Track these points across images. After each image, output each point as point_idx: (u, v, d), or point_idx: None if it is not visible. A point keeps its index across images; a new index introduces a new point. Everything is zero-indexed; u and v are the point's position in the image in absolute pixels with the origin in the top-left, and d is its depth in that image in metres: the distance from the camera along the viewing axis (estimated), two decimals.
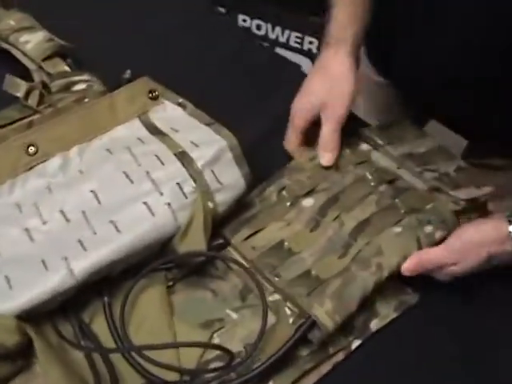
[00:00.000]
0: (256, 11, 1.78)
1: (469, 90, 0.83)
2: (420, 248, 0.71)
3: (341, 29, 0.82)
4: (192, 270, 0.71)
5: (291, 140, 0.83)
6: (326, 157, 0.79)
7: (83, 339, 0.66)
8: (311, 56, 1.79)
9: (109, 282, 0.69)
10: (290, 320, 0.67)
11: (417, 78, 0.90)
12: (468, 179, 0.79)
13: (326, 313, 0.65)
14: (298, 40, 1.78)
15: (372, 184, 0.78)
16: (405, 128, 0.88)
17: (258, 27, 1.80)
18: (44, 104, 0.82)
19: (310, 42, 1.76)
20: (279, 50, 1.82)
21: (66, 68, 0.90)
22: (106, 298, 0.68)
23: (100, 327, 0.67)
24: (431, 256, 0.70)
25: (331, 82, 0.79)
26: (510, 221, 0.68)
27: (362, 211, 0.75)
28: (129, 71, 0.84)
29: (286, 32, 1.78)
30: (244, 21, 1.80)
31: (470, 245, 0.69)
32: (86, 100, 0.82)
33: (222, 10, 1.82)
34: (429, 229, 0.72)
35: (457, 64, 0.82)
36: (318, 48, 1.75)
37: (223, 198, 0.72)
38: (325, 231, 0.73)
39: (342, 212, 0.75)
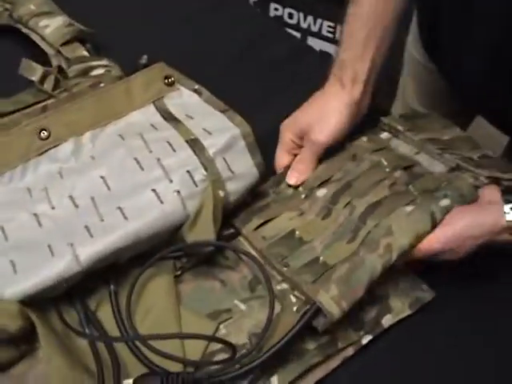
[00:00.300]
0: (288, 0, 1.75)
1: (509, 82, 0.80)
2: (434, 223, 0.67)
3: (341, 67, 0.79)
4: (201, 259, 0.70)
5: (279, 158, 0.80)
6: (292, 177, 0.77)
7: (88, 326, 0.66)
8: None
9: (116, 270, 0.68)
10: (294, 308, 0.65)
11: (458, 68, 0.87)
12: (493, 165, 0.74)
13: (331, 298, 0.62)
14: (331, 29, 1.75)
15: (387, 170, 0.75)
16: (431, 119, 0.84)
17: (290, 16, 1.77)
18: (60, 89, 0.82)
19: None
20: (311, 40, 1.79)
21: (85, 53, 0.90)
22: (112, 287, 0.67)
23: (105, 315, 0.66)
24: (424, 247, 0.67)
25: (324, 111, 0.77)
26: (505, 212, 0.65)
27: (374, 196, 0.72)
28: (145, 56, 0.83)
29: (319, 21, 1.75)
30: (276, 9, 1.78)
31: (464, 236, 0.66)
32: (102, 85, 0.81)
33: None
34: (445, 202, 0.68)
35: (495, 55, 0.78)
36: None
37: (235, 187, 0.70)
38: (336, 218, 0.71)
39: (354, 198, 0.72)
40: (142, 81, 0.78)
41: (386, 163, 0.76)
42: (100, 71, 0.86)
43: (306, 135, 0.77)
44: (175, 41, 0.98)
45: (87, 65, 0.87)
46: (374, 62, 0.78)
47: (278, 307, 0.65)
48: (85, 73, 0.86)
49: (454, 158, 0.74)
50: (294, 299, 0.66)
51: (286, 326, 0.63)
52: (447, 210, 0.68)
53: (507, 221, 0.65)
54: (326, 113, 0.77)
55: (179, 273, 0.69)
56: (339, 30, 1.71)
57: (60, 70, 0.85)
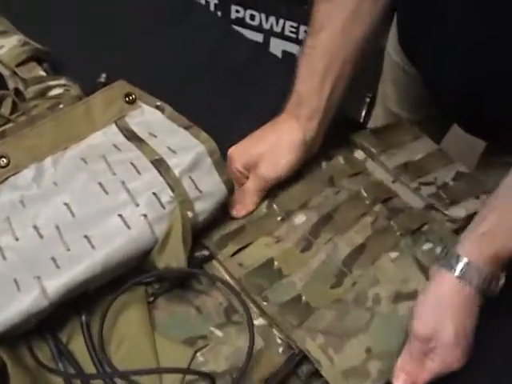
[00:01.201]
0: (249, 1, 1.73)
1: (486, 91, 0.79)
2: (422, 267, 0.68)
3: (299, 103, 0.76)
4: (174, 284, 0.68)
5: None
6: (235, 209, 0.74)
7: (61, 360, 0.63)
8: None
9: (86, 298, 0.66)
10: (280, 349, 0.64)
11: (436, 73, 0.86)
12: (467, 188, 0.76)
13: (319, 347, 0.62)
14: (293, 29, 1.73)
15: (367, 202, 0.75)
16: (401, 130, 0.84)
17: (252, 17, 1.75)
18: (17, 112, 0.80)
19: (306, 31, 1.71)
20: (274, 40, 1.78)
21: (42, 73, 0.88)
22: (83, 317, 0.65)
23: (78, 347, 0.64)
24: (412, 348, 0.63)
25: (275, 147, 0.75)
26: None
27: (357, 234, 0.71)
28: (104, 75, 0.81)
29: (281, 21, 1.73)
30: (237, 11, 1.76)
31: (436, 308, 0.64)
32: (61, 106, 0.79)
33: (215, 1, 1.77)
34: (427, 246, 0.70)
35: (470, 61, 0.78)
36: None
37: (203, 207, 0.68)
38: (317, 254, 0.70)
39: (336, 234, 0.71)
40: (102, 100, 0.76)
41: (365, 194, 0.76)
42: (58, 91, 0.84)
43: (254, 168, 0.75)
44: (135, 55, 0.96)
45: (45, 85, 0.85)
46: (332, 97, 0.76)
47: (258, 341, 0.64)
48: (43, 93, 0.84)
49: (430, 195, 0.75)
50: (278, 340, 0.65)
51: (270, 366, 0.62)
52: (432, 254, 0.69)
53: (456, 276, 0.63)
54: (277, 149, 0.75)
55: (152, 299, 0.67)
56: (302, 30, 1.71)
57: (17, 92, 0.82)
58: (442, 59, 0.82)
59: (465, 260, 0.62)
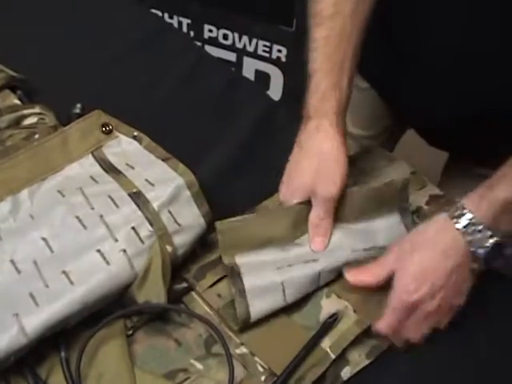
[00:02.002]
0: (222, 21, 1.73)
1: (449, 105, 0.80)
2: None
3: (323, 98, 0.72)
4: (153, 317, 0.68)
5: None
6: (316, 242, 0.70)
7: None
8: (280, 64, 1.75)
9: (65, 334, 0.65)
10: (262, 377, 0.64)
11: (396, 94, 0.86)
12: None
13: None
14: (267, 49, 1.74)
15: None
16: (373, 156, 0.84)
17: (225, 37, 1.76)
18: None
19: (279, 51, 1.72)
20: (247, 60, 1.78)
21: (16, 101, 0.87)
22: (62, 354, 0.64)
23: (58, 382, 0.63)
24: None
25: (318, 161, 0.71)
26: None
27: None
28: (79, 105, 0.80)
29: (254, 41, 1.74)
30: (210, 31, 1.76)
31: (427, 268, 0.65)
32: (37, 136, 0.78)
33: (188, 21, 1.78)
34: None
35: (429, 73, 0.78)
36: (287, 56, 1.72)
37: (182, 240, 0.68)
38: None
39: None
40: (79, 131, 0.76)
41: None
42: (33, 120, 0.83)
43: (314, 194, 0.71)
44: (109, 81, 0.95)
45: (19, 114, 0.84)
46: (350, 86, 0.74)
47: (240, 371, 0.64)
48: (17, 122, 0.83)
49: None
50: (260, 368, 0.65)
51: None
52: None
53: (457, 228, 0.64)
54: (323, 164, 0.70)
55: (131, 332, 0.67)
56: (276, 49, 1.72)
57: None
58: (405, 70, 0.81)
59: (464, 208, 0.64)
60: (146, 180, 0.70)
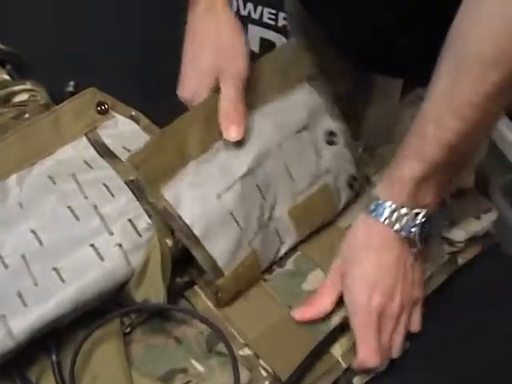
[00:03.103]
0: None
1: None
2: None
3: None
4: (152, 314, 0.63)
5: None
6: (231, 131, 0.63)
7: None
8: (286, 33, 1.68)
9: (57, 334, 0.60)
10: (266, 383, 0.60)
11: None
12: (467, 206, 0.71)
13: None
14: (272, 16, 1.67)
15: None
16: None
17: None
18: None
19: (285, 18, 1.65)
20: (252, 27, 1.71)
21: (6, 76, 0.82)
22: (54, 356, 0.59)
23: None
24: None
25: (219, 42, 0.65)
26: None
27: None
28: (72, 83, 0.75)
29: (259, 8, 1.66)
30: None
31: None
32: (27, 115, 0.73)
33: None
34: None
35: None
36: None
37: None
38: None
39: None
40: (72, 110, 0.70)
41: None
42: (24, 97, 0.78)
43: (221, 74, 0.64)
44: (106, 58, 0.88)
45: (9, 90, 0.78)
46: None
47: (244, 374, 0.59)
48: (6, 100, 0.78)
49: None
50: (264, 373, 0.60)
51: None
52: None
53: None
54: (225, 41, 0.65)
55: (128, 330, 0.62)
56: (281, 17, 1.64)
57: None
58: None
59: (378, 200, 0.60)
60: None
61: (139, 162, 0.60)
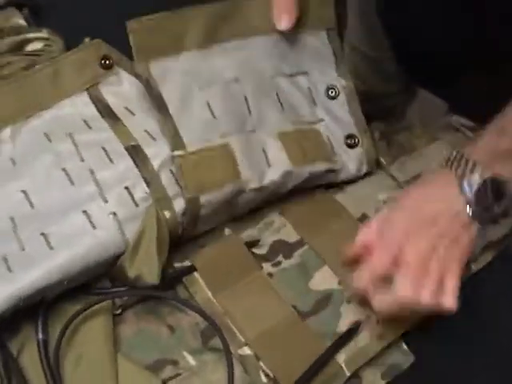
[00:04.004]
0: None
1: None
2: None
3: None
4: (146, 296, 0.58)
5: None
6: (282, 19, 0.64)
7: (7, 378, 0.53)
8: None
9: (44, 310, 0.56)
10: None
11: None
12: None
13: None
14: None
15: None
16: (412, 134, 0.73)
17: None
18: None
19: None
20: None
21: (21, 21, 0.76)
22: (40, 335, 0.54)
23: (31, 361, 0.55)
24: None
25: None
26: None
27: None
28: (88, 39, 0.68)
29: None
30: None
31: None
32: (37, 67, 0.67)
33: None
34: None
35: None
36: None
37: (183, 205, 0.58)
38: None
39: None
40: (74, 62, 0.65)
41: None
42: (38, 45, 0.72)
43: None
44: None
45: (22, 37, 0.73)
46: None
47: (240, 375, 0.55)
48: (19, 47, 0.72)
49: None
50: (264, 378, 0.55)
51: None
52: None
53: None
54: None
55: (119, 312, 0.57)
56: None
57: None
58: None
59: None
60: (147, 132, 0.60)
61: (136, 29, 0.60)
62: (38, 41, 0.73)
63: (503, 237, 0.64)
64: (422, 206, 0.56)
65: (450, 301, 0.53)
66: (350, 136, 0.67)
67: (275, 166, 0.62)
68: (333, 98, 0.68)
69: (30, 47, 0.72)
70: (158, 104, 0.59)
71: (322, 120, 0.67)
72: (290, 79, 0.66)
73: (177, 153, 0.58)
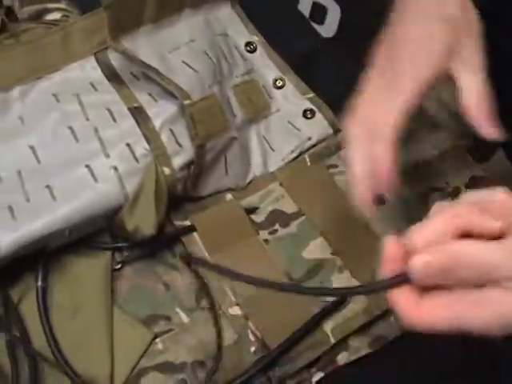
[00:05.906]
0: None
1: None
2: None
3: None
4: (145, 253, 0.60)
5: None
6: (490, 129, 0.49)
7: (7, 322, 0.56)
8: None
9: (45, 260, 0.58)
10: (252, 349, 0.56)
11: None
12: None
13: None
14: None
15: None
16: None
17: None
18: (5, 33, 0.70)
19: None
20: None
21: None
22: (39, 282, 0.57)
23: (29, 309, 0.57)
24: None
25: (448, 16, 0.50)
26: None
27: None
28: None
29: None
30: None
31: None
32: None
33: None
34: None
35: None
36: None
37: (182, 162, 0.59)
38: None
39: None
40: (84, 28, 0.67)
41: None
42: (56, 16, 0.74)
43: (455, 60, 0.50)
44: None
45: (42, 7, 0.75)
46: None
47: (229, 334, 0.57)
48: (38, 16, 0.74)
49: None
50: (252, 337, 0.56)
51: (238, 364, 0.55)
52: None
53: None
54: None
55: (118, 267, 0.60)
56: None
57: (8, 10, 0.73)
58: None
59: None
60: (150, 94, 0.62)
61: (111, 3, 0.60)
62: (56, 11, 0.75)
63: None
64: None
65: None
66: (276, 79, 0.71)
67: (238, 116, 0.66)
68: (252, 52, 0.72)
69: (49, 17, 0.75)
70: (146, 68, 0.61)
71: (252, 70, 0.71)
72: (223, 38, 0.70)
73: (186, 102, 0.59)
